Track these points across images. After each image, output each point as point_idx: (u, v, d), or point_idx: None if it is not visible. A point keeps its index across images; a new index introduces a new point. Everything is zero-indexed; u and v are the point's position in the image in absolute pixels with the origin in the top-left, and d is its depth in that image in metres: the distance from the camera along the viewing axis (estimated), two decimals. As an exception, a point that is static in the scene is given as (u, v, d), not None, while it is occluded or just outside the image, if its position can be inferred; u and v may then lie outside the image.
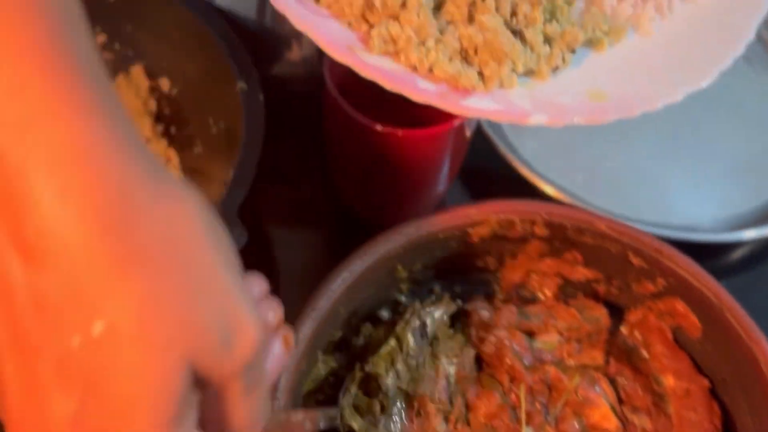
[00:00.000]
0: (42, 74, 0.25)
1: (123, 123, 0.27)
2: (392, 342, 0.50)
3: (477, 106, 0.43)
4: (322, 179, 0.67)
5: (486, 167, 0.70)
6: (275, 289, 0.35)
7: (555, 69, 0.47)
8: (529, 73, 0.46)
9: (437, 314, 0.51)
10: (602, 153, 0.70)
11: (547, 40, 0.47)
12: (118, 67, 0.65)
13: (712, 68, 0.47)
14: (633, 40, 0.50)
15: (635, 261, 0.48)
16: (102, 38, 0.65)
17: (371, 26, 0.45)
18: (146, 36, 0.64)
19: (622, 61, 0.48)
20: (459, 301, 0.52)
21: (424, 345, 0.51)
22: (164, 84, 0.64)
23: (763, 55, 0.77)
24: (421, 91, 0.43)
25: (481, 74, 0.45)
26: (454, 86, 0.44)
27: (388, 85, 0.42)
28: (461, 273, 0.52)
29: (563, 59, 0.46)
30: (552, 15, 0.47)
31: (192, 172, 0.62)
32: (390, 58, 0.44)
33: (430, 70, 0.44)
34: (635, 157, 0.70)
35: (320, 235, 0.69)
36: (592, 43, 0.49)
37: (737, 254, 0.67)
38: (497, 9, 0.45)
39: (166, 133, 0.64)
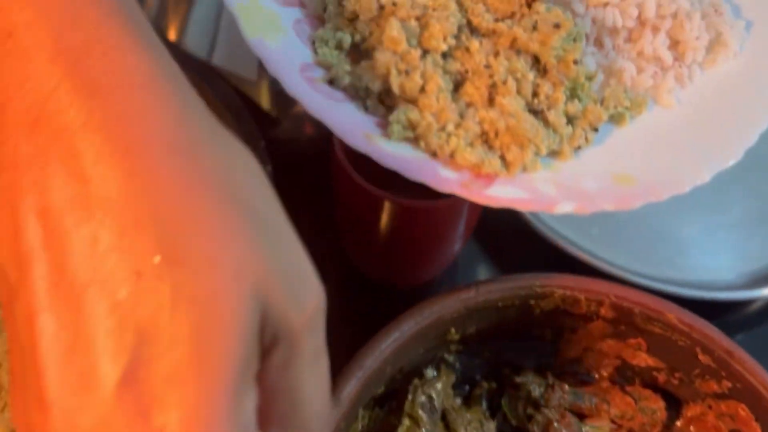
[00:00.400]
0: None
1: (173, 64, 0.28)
2: (407, 422, 0.49)
3: (503, 195, 0.41)
4: (333, 239, 0.65)
5: (496, 220, 0.68)
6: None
7: (578, 148, 0.45)
8: (552, 154, 0.45)
9: (439, 386, 0.50)
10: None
11: (569, 119, 0.45)
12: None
13: (738, 146, 0.45)
14: (654, 113, 0.48)
15: (703, 358, 0.46)
16: None
17: (388, 109, 0.43)
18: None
19: (646, 138, 0.46)
20: (507, 370, 0.50)
21: (437, 419, 0.50)
22: None
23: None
24: (443, 180, 0.41)
25: (503, 158, 0.43)
26: (476, 173, 0.42)
27: (409, 174, 0.40)
28: (515, 339, 0.51)
29: (586, 138, 0.45)
30: (573, 92, 0.46)
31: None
32: (409, 144, 0.42)
33: (452, 156, 0.42)
34: (649, 207, 0.69)
35: (329, 293, 0.67)
36: (613, 119, 0.47)
37: (754, 309, 0.66)
38: (518, 90, 0.43)
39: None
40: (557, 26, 0.43)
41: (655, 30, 0.49)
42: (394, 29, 0.42)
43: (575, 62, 0.44)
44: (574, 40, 0.46)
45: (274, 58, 0.42)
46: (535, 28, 0.43)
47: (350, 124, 0.41)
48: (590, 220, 0.67)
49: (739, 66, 0.50)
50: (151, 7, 0.66)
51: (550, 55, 0.44)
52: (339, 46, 0.44)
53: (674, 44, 0.50)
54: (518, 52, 0.44)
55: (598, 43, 0.49)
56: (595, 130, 0.45)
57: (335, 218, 0.62)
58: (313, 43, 0.44)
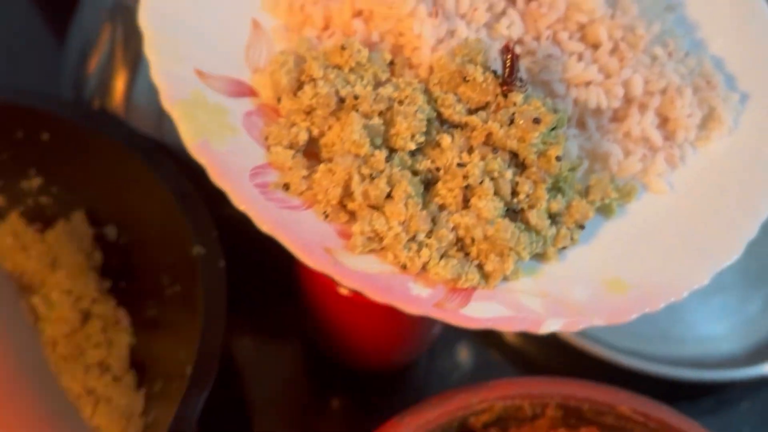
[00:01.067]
0: None
1: None
2: None
3: (482, 315, 0.36)
4: (297, 322, 0.61)
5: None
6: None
7: (563, 248, 0.41)
8: (536, 257, 0.40)
9: None
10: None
11: (553, 217, 0.40)
12: (57, 212, 0.57)
13: (738, 240, 0.41)
14: (645, 201, 0.44)
15: None
16: (38, 181, 0.57)
17: (352, 216, 0.38)
18: (88, 178, 0.56)
19: (637, 232, 0.42)
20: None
21: None
22: (111, 232, 0.57)
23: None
24: (414, 299, 0.36)
25: (480, 267, 0.38)
26: (451, 288, 0.37)
27: (376, 296, 0.36)
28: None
29: (571, 238, 0.40)
30: (555, 186, 0.41)
31: (145, 334, 0.55)
32: (375, 257, 0.37)
33: (424, 269, 0.37)
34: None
35: (296, 372, 0.63)
36: (601, 211, 0.43)
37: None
38: (496, 191, 0.39)
39: (114, 288, 0.57)
40: (536, 121, 0.39)
41: (643, 108, 0.45)
42: (355, 132, 0.37)
43: (557, 159, 0.39)
44: (555, 128, 0.41)
45: (220, 163, 0.37)
46: (512, 122, 0.39)
47: (307, 237, 0.36)
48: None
49: (735, 144, 0.46)
50: (93, 74, 0.61)
51: (530, 152, 0.39)
52: (293, 144, 0.39)
53: (664, 122, 0.46)
54: (494, 148, 0.39)
55: (581, 125, 0.45)
56: (581, 227, 0.41)
57: (299, 301, 0.58)
58: (267, 139, 0.39)
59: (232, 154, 0.38)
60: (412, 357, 0.61)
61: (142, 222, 0.55)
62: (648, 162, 0.45)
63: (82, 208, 0.57)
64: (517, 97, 0.39)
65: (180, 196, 0.50)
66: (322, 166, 0.38)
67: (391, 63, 0.41)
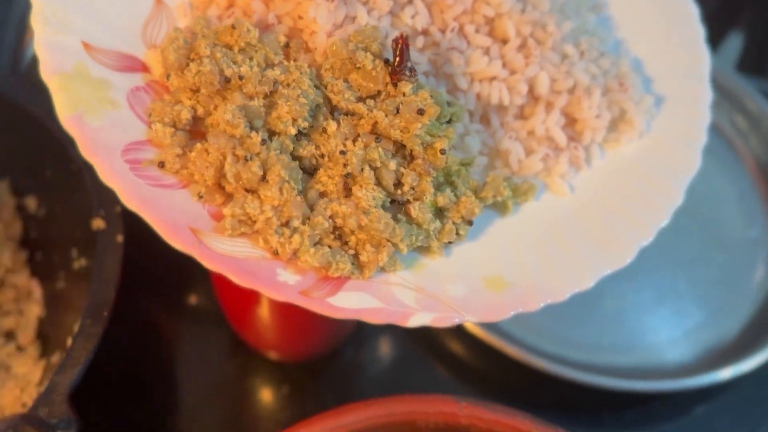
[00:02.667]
0: None
1: None
2: None
3: (348, 305, 0.36)
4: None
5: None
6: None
7: (449, 243, 0.40)
8: (419, 250, 0.39)
9: None
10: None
11: (440, 211, 0.40)
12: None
13: (630, 245, 0.40)
14: (544, 202, 0.43)
15: None
16: None
17: (229, 198, 0.38)
18: (12, 148, 0.56)
19: (529, 232, 0.41)
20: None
21: None
22: (31, 203, 0.56)
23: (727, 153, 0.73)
24: (281, 286, 0.36)
25: (356, 257, 0.38)
26: (323, 277, 0.37)
27: (241, 280, 0.35)
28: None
29: (458, 233, 0.40)
30: (448, 180, 0.40)
31: (53, 306, 0.54)
32: (247, 240, 0.37)
33: (295, 255, 0.37)
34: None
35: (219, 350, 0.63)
36: (495, 208, 0.42)
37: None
38: (378, 181, 0.38)
39: (30, 260, 0.56)
40: (421, 112, 0.38)
41: (549, 107, 0.44)
42: (228, 112, 0.36)
43: (442, 152, 0.38)
44: (449, 121, 0.40)
45: (90, 138, 0.36)
46: (398, 111, 0.38)
47: (175, 216, 0.36)
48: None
49: (645, 148, 0.45)
50: (29, 47, 0.61)
51: (415, 143, 0.38)
52: (175, 123, 0.38)
53: (571, 122, 0.45)
54: (378, 137, 0.38)
55: (485, 120, 0.44)
56: (469, 223, 0.40)
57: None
58: (149, 115, 0.39)
59: (107, 129, 0.37)
60: (327, 349, 0.60)
61: (59, 194, 0.54)
62: (551, 162, 0.44)
63: (6, 178, 0.57)
64: (406, 87, 0.39)
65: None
66: (198, 146, 0.37)
67: (287, 45, 0.41)
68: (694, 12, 0.48)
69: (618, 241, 0.40)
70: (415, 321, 0.36)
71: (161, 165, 0.37)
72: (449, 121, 0.41)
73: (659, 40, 0.48)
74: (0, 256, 0.55)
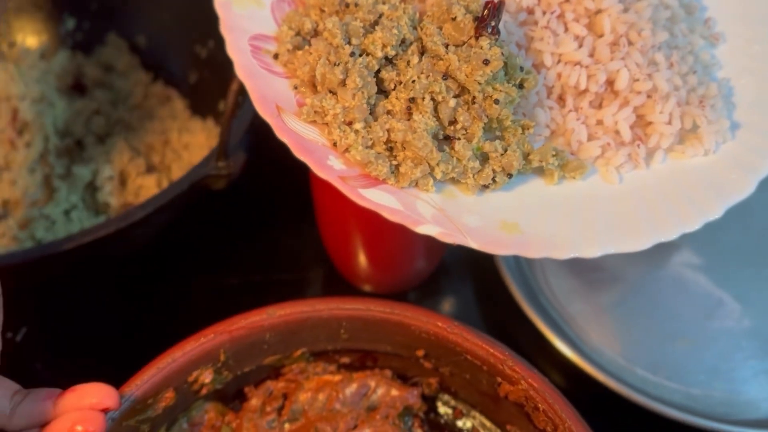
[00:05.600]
0: None
1: None
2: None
3: (373, 198, 0.42)
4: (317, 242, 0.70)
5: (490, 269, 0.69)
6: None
7: (484, 187, 0.45)
8: (453, 182, 0.45)
9: None
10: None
11: (485, 156, 0.45)
12: (94, 40, 0.76)
13: (648, 236, 0.43)
14: (590, 184, 0.47)
15: None
16: (71, 23, 0.75)
17: (315, 95, 0.46)
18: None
19: (561, 200, 0.45)
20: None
21: None
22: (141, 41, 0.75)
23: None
24: (326, 167, 0.43)
25: (397, 168, 0.44)
26: (365, 174, 0.44)
27: (296, 152, 0.43)
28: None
29: (494, 180, 0.45)
30: (502, 133, 0.46)
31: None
32: (316, 128, 0.45)
33: (347, 150, 0.44)
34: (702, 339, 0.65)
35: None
36: (540, 173, 0.46)
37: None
38: (436, 112, 0.45)
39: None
40: (486, 62, 0.44)
41: (624, 103, 0.47)
42: (330, 22, 0.45)
43: (495, 101, 0.44)
44: (521, 86, 0.46)
45: (230, 19, 0.46)
46: (468, 59, 0.44)
47: (270, 93, 0.45)
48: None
49: (705, 166, 0.47)
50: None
51: (475, 88, 0.44)
52: (299, 30, 0.47)
53: (642, 123, 0.48)
54: (446, 76, 0.45)
55: (561, 101, 0.48)
56: (509, 175, 0.45)
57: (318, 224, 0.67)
58: (283, 21, 0.48)
59: (246, 18, 0.47)
60: (405, 284, 0.67)
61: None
62: (610, 152, 0.47)
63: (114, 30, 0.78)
64: (484, 41, 0.45)
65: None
66: (305, 47, 0.46)
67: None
68: None
69: (637, 229, 0.43)
70: (423, 229, 0.42)
71: (275, 56, 0.47)
72: (521, 86, 0.46)
73: (762, 79, 0.49)
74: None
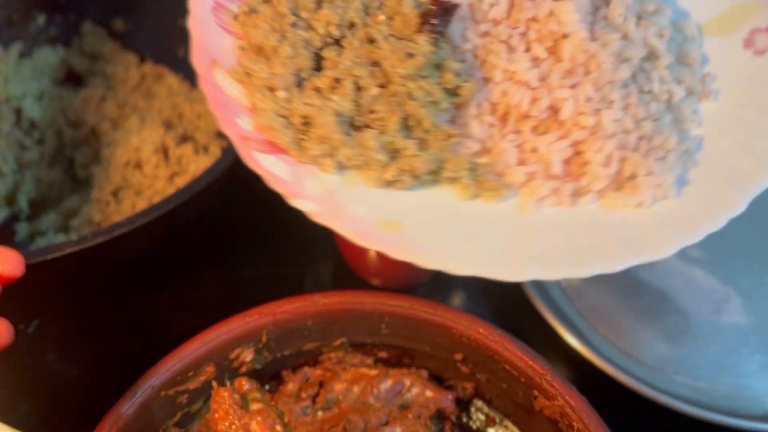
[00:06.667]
0: None
1: None
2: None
3: (263, 162, 0.42)
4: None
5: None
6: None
7: (390, 183, 0.44)
8: (361, 170, 0.44)
9: None
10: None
11: (395, 151, 0.44)
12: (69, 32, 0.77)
13: (530, 271, 0.40)
14: (502, 208, 0.44)
15: None
16: (42, 19, 0.75)
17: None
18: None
19: (462, 217, 0.43)
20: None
21: None
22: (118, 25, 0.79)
23: None
24: (233, 124, 0.44)
25: (303, 142, 0.44)
26: (269, 140, 0.44)
27: (210, 103, 0.44)
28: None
29: (401, 179, 0.43)
30: (422, 135, 0.44)
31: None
32: (243, 89, 0.46)
33: (258, 113, 0.45)
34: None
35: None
36: (452, 183, 0.44)
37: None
38: (356, 98, 0.44)
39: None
40: (410, 56, 0.43)
41: (565, 135, 0.44)
42: (280, -5, 0.46)
43: (411, 97, 0.43)
44: (456, 93, 0.44)
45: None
46: (397, 51, 0.43)
47: (213, 48, 0.46)
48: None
49: (631, 220, 0.43)
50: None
51: (397, 82, 0.43)
52: (267, -2, 0.49)
53: (581, 161, 0.44)
54: (375, 63, 0.44)
55: (503, 119, 0.46)
56: (415, 177, 0.44)
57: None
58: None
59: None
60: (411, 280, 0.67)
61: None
62: (535, 181, 0.44)
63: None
64: (421, 38, 0.44)
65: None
66: (258, 12, 0.47)
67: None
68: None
69: (518, 262, 0.41)
70: (297, 203, 0.41)
71: (234, 17, 0.48)
72: (455, 93, 0.44)
73: (737, 145, 0.45)
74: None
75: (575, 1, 0.45)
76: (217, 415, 0.40)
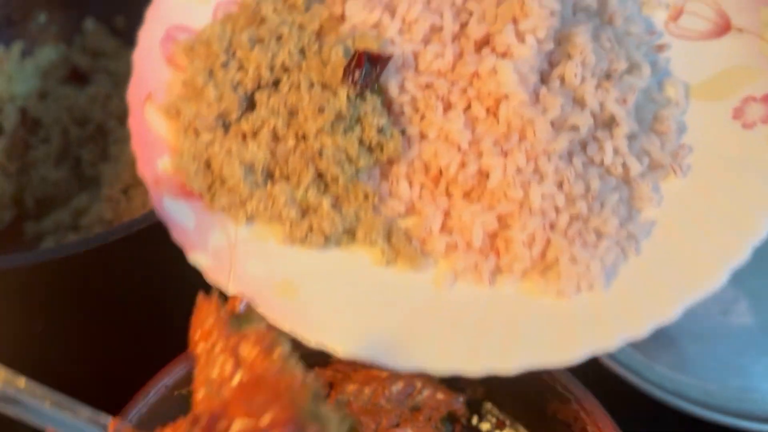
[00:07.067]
0: None
1: None
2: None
3: (169, 209, 0.41)
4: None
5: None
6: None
7: (300, 240, 0.41)
8: (273, 226, 0.42)
9: None
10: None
11: (308, 209, 0.41)
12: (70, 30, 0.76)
13: (411, 358, 0.37)
14: (414, 280, 0.41)
15: None
16: (43, 17, 0.75)
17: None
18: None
19: (367, 285, 0.40)
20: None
21: None
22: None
23: None
24: (150, 165, 0.43)
25: (215, 189, 0.42)
26: (184, 187, 0.43)
27: (134, 142, 0.44)
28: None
29: (311, 238, 0.41)
30: (337, 190, 0.42)
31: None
32: (171, 126, 0.45)
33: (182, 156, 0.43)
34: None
35: None
36: (370, 244, 0.41)
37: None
38: (272, 150, 0.42)
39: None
40: (321, 110, 0.40)
41: (492, 206, 0.40)
42: (216, 28, 0.44)
43: (320, 153, 0.40)
44: (375, 149, 0.41)
45: (162, 5, 0.48)
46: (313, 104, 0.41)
47: (153, 82, 0.46)
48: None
49: (543, 313, 0.38)
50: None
51: (311, 135, 0.41)
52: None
53: (505, 237, 0.40)
54: (291, 112, 0.42)
55: (435, 180, 0.42)
56: (326, 237, 0.41)
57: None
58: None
59: (181, 7, 0.48)
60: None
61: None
62: (455, 253, 0.40)
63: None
64: (342, 90, 0.41)
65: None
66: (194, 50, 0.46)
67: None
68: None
69: (405, 347, 0.37)
70: (192, 257, 0.40)
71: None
72: (375, 149, 0.41)
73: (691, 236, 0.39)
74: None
75: (519, 59, 0.40)
76: (198, 334, 0.31)
